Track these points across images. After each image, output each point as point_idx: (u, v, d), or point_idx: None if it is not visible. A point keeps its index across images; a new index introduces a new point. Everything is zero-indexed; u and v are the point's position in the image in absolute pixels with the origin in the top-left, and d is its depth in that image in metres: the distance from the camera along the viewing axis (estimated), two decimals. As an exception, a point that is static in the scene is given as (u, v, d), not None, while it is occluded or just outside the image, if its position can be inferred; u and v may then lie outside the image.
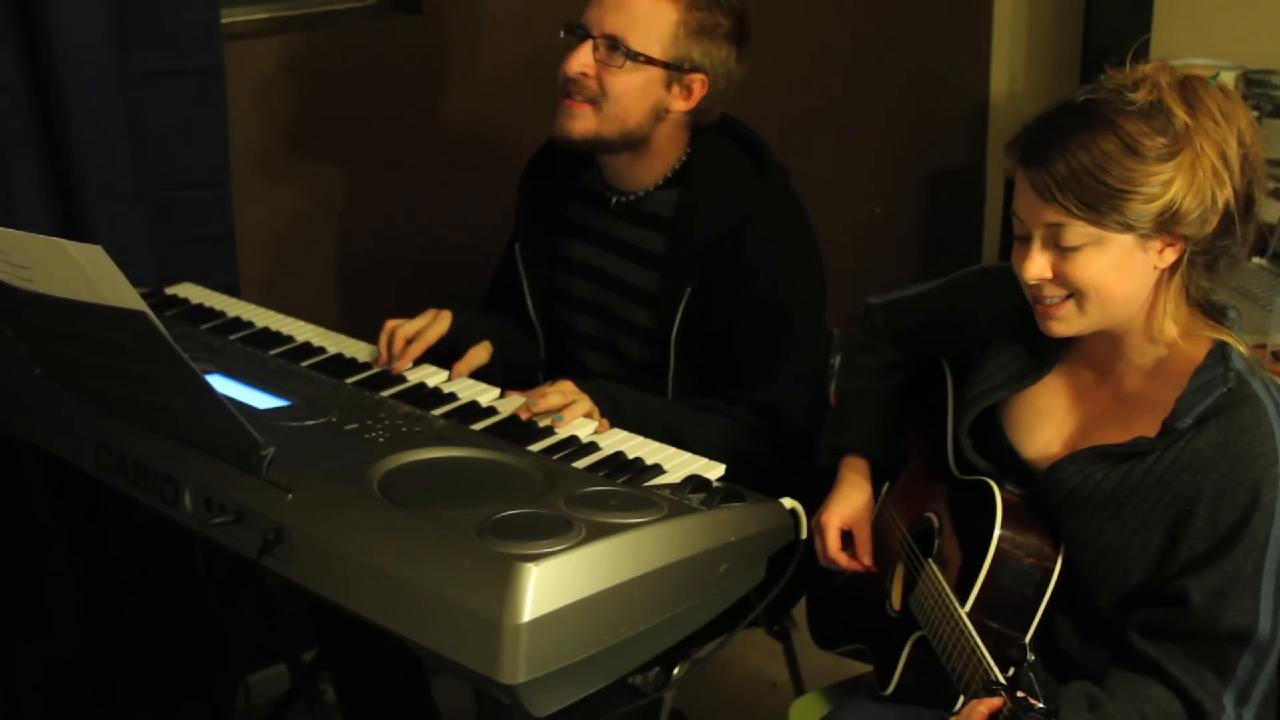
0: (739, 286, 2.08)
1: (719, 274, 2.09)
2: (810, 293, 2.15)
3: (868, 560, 1.91)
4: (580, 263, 2.27)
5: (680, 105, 2.11)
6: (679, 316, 2.11)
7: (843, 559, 1.91)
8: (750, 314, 2.09)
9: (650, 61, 2.06)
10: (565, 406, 1.91)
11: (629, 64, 2.05)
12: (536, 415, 1.90)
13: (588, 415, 1.92)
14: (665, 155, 2.16)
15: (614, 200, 2.20)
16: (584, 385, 1.97)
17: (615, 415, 1.94)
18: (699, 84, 2.10)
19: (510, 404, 1.94)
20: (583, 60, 2.07)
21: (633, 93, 2.07)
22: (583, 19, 2.09)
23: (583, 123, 2.09)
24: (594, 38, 2.07)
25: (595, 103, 2.08)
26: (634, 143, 2.12)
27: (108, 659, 2.51)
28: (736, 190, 2.13)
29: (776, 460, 2.09)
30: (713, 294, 2.10)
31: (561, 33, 2.11)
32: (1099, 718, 1.55)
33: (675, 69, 2.07)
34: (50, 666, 2.48)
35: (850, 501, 1.93)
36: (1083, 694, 1.59)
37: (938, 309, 1.95)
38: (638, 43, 2.05)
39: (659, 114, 2.11)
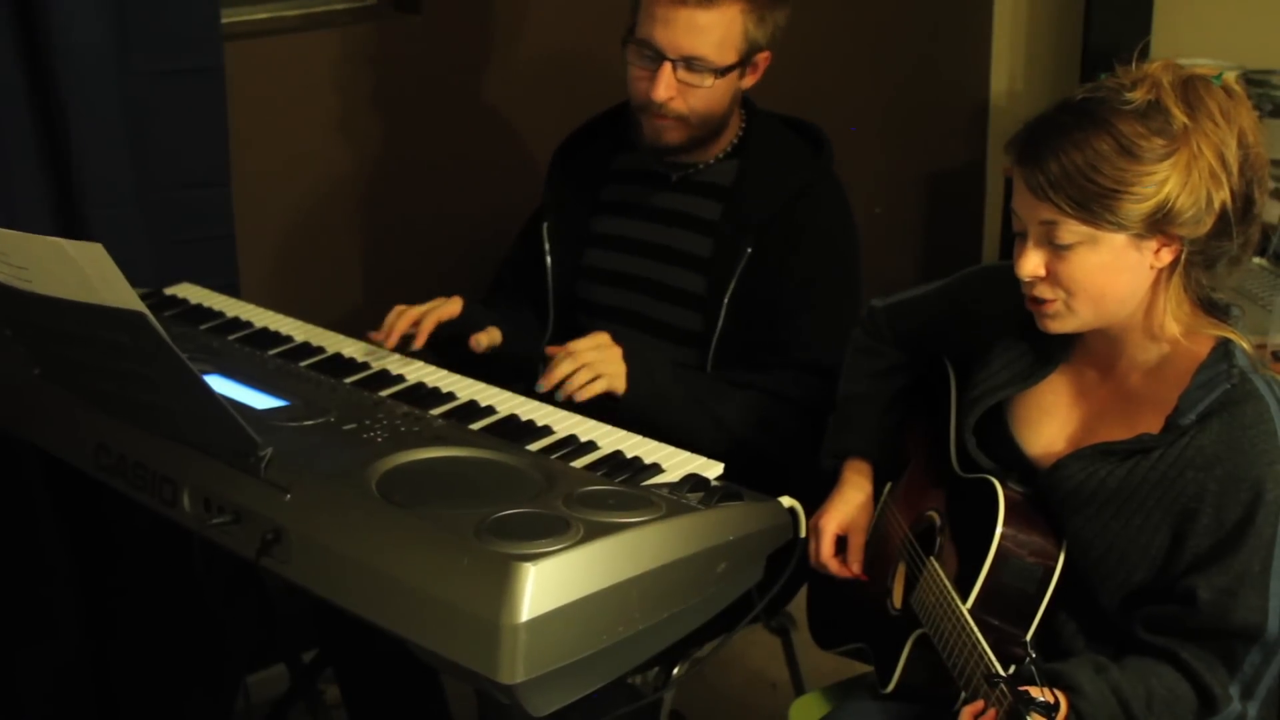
0: (796, 252, 2.14)
1: (776, 239, 2.15)
2: (855, 261, 2.24)
3: (857, 569, 1.91)
4: (619, 237, 2.31)
5: (749, 82, 2.17)
6: (735, 280, 2.15)
7: (834, 565, 1.90)
8: (804, 278, 2.14)
9: (732, 68, 2.10)
10: (576, 371, 1.95)
11: (713, 78, 2.08)
12: (550, 382, 1.94)
13: (609, 379, 1.97)
14: (729, 131, 2.23)
15: (675, 177, 2.25)
16: (619, 337, 2.01)
17: (645, 377, 1.99)
18: (764, 60, 2.16)
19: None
20: (668, 86, 2.09)
21: (720, 98, 2.13)
22: (652, 40, 2.08)
23: (676, 134, 2.16)
24: (671, 60, 2.08)
25: (684, 118, 2.12)
26: (718, 131, 2.19)
27: (108, 659, 2.50)
28: (794, 164, 2.21)
29: (807, 430, 2.10)
30: (768, 258, 2.14)
31: (624, 45, 2.12)
32: (1105, 679, 1.55)
33: (749, 59, 2.12)
34: (50, 667, 2.47)
35: (849, 506, 1.93)
36: (1089, 661, 1.59)
37: (942, 308, 1.95)
38: (719, 57, 2.08)
39: (736, 99, 2.18)
